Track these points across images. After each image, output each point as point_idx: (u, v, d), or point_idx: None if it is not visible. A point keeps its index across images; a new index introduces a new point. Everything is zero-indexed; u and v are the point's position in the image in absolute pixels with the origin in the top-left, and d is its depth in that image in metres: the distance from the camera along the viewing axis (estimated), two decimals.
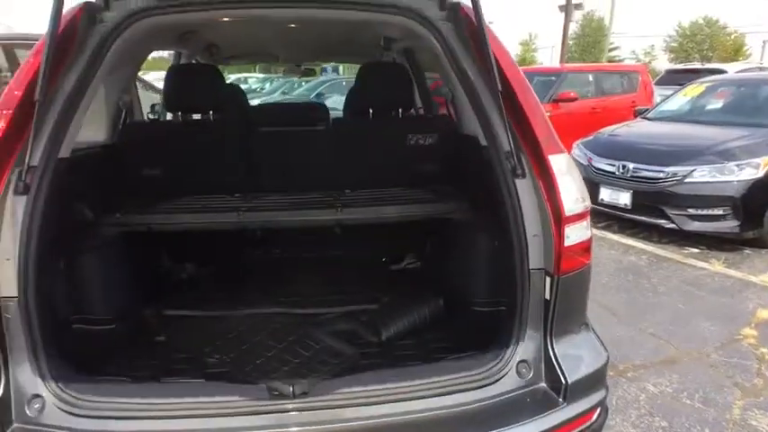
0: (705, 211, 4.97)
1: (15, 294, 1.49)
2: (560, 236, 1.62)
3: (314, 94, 15.08)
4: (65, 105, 1.66)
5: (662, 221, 5.20)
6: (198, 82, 2.74)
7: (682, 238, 5.28)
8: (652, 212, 5.24)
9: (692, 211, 5.01)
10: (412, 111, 3.45)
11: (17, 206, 1.52)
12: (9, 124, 1.53)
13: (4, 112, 1.54)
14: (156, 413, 1.50)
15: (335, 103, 10.60)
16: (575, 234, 1.64)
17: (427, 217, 2.52)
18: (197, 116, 3.11)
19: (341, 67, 19.37)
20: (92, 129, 2.45)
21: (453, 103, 2.74)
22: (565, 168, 1.65)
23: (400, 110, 2.80)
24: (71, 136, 1.71)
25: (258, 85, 20.59)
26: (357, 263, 3.10)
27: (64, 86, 1.68)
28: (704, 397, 2.82)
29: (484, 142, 1.86)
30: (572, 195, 1.63)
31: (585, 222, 1.69)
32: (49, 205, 1.56)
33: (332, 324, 2.48)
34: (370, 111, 2.79)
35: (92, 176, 2.31)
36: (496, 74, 1.67)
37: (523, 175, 1.69)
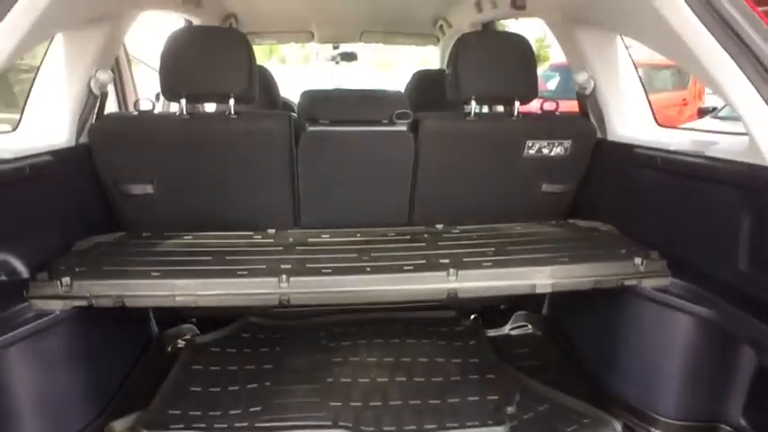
0: None
1: None
2: None
3: None
4: None
5: None
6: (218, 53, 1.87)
7: None
8: None
9: None
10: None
11: None
12: None
13: None
14: None
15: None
16: None
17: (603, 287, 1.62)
18: (210, 106, 2.41)
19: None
20: (43, 124, 1.78)
21: (594, 97, 2.06)
22: None
23: (517, 104, 1.98)
24: None
25: None
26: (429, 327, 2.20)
27: None
28: None
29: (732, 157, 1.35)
30: None
31: None
32: None
33: None
34: (473, 103, 1.94)
35: (33, 202, 1.56)
36: None
37: None
